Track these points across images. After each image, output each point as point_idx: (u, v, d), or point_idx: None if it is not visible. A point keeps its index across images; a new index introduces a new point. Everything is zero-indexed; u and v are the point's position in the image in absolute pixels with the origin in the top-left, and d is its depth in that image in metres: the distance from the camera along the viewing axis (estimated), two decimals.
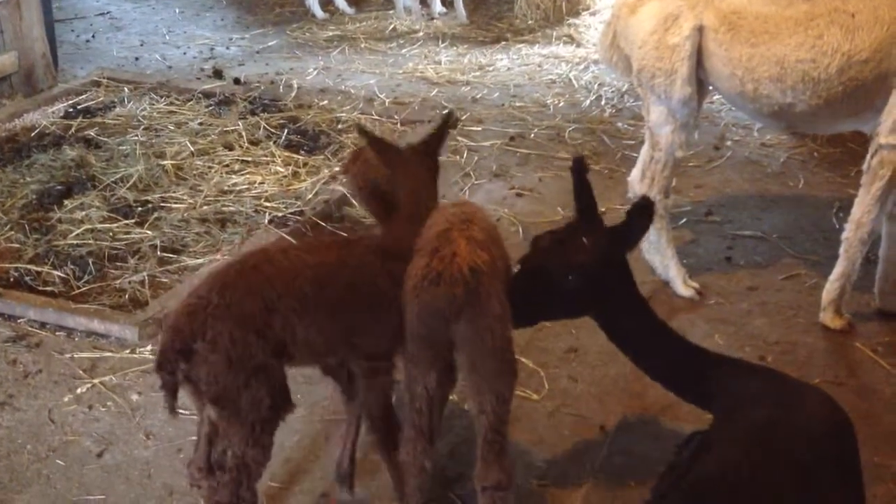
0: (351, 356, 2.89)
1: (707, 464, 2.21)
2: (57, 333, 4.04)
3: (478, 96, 6.58)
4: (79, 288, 4.27)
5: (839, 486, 2.22)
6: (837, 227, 4.55)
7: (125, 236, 4.64)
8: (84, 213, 4.78)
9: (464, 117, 6.12)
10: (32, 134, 5.72)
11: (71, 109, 6.11)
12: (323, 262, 2.79)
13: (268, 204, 4.92)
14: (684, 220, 4.91)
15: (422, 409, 2.75)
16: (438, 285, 2.57)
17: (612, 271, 2.75)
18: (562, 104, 6.41)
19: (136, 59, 7.43)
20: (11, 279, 4.33)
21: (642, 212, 2.73)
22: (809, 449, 2.20)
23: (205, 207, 4.88)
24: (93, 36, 8.01)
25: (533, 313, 2.91)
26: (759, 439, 2.22)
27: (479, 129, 6.00)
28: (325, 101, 6.23)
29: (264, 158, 5.39)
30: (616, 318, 2.81)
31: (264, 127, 5.75)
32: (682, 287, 4.26)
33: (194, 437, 3.42)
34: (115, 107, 6.09)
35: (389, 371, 2.92)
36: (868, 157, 3.88)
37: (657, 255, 4.30)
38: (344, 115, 6.01)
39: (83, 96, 6.31)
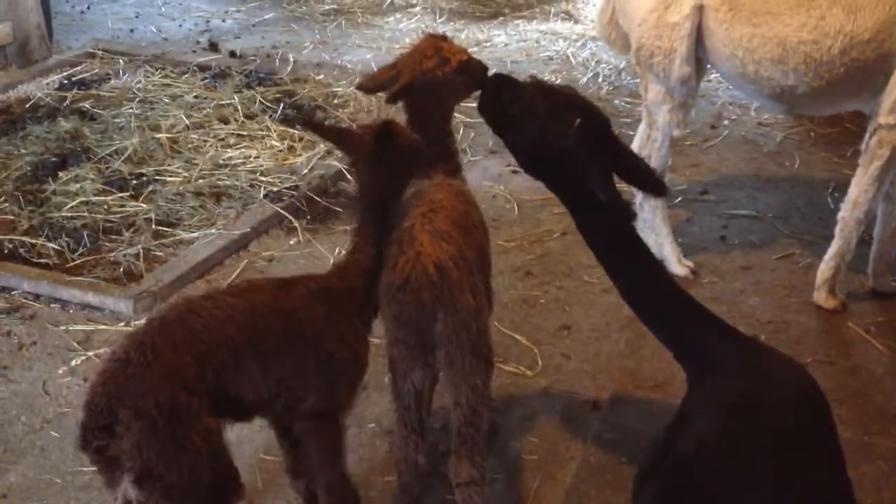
0: (288, 413, 2.59)
1: (685, 443, 2.21)
2: (51, 306, 4.04)
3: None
4: (73, 260, 4.27)
5: (818, 457, 2.23)
6: (833, 207, 4.56)
7: (120, 209, 4.63)
8: (79, 185, 4.76)
9: None
10: (27, 105, 5.68)
11: (66, 81, 6.08)
12: (253, 307, 2.51)
13: (263, 178, 4.91)
14: (680, 198, 4.91)
15: (410, 406, 2.72)
16: (406, 292, 2.51)
17: (568, 155, 2.51)
18: (559, 81, 6.37)
19: (132, 30, 7.37)
20: (6, 251, 4.32)
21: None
22: (786, 421, 2.21)
23: (200, 181, 4.86)
24: (88, 7, 7.95)
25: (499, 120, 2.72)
26: (736, 414, 2.23)
27: (476, 105, 5.96)
28: (322, 76, 6.20)
29: (260, 132, 5.36)
30: (582, 219, 2.63)
31: (260, 101, 5.72)
32: (677, 266, 4.27)
33: None
34: (109, 79, 6.07)
35: (338, 433, 2.66)
36: (867, 136, 3.88)
37: (652, 233, 4.31)
38: (340, 89, 5.98)
39: (78, 68, 6.27)
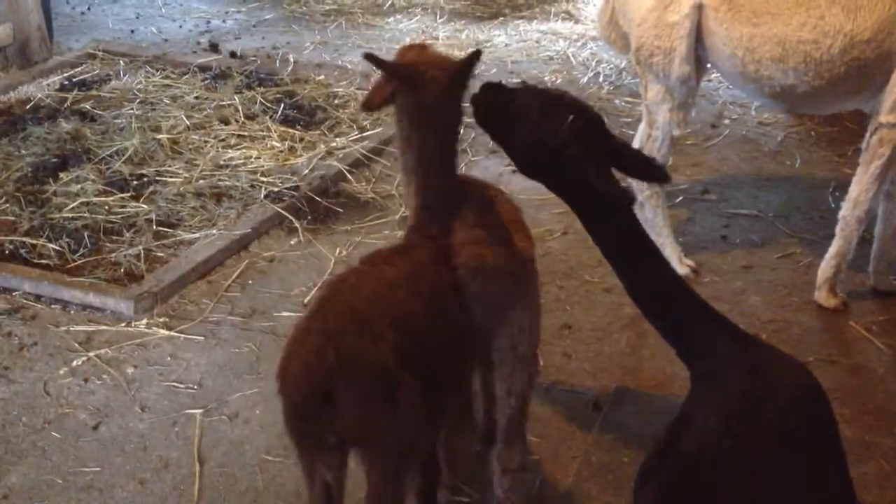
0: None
1: (687, 442, 2.22)
2: (52, 306, 4.04)
3: (475, 73, 6.53)
4: (74, 261, 4.27)
5: (819, 456, 2.23)
6: (833, 206, 4.56)
7: (121, 210, 4.63)
8: (79, 186, 4.76)
9: None
10: (27, 106, 5.68)
11: (66, 82, 6.08)
12: (407, 274, 2.49)
13: (264, 179, 4.91)
14: (680, 198, 4.91)
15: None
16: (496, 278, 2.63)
17: (564, 154, 2.50)
18: (559, 81, 6.38)
19: (132, 31, 7.38)
20: (7, 252, 4.32)
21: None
22: (787, 420, 2.21)
23: (200, 182, 4.86)
24: (88, 8, 7.95)
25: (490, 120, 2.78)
26: (737, 413, 2.23)
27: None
28: (322, 76, 6.21)
29: (260, 133, 5.37)
30: (586, 216, 2.61)
31: (260, 101, 5.72)
32: (678, 265, 4.26)
33: (189, 411, 3.45)
34: (110, 80, 6.06)
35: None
36: (867, 135, 3.88)
37: (652, 232, 4.29)
38: (340, 90, 5.98)
39: (78, 69, 6.27)
